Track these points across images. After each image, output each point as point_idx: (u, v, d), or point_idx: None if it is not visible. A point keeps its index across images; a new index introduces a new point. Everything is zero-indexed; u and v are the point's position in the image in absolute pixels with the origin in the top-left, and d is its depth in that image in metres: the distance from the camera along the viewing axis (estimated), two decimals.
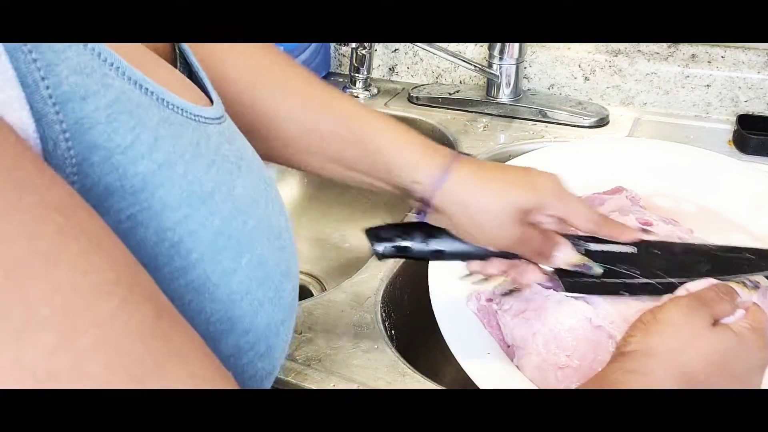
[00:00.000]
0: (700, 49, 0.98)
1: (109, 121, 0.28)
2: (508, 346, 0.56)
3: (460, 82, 1.11)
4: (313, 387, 0.55)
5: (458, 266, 0.65)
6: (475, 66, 1.02)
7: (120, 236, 0.27)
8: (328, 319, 0.63)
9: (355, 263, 0.97)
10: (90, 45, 0.27)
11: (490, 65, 1.02)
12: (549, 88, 1.05)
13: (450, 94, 1.06)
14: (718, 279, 0.50)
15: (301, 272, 1.00)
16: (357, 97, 1.09)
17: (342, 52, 1.17)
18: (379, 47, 1.13)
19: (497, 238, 0.51)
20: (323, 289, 0.96)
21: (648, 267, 0.53)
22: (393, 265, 0.70)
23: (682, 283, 0.51)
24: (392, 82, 1.15)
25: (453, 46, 1.06)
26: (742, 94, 0.97)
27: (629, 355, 0.44)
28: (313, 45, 1.12)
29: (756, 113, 0.96)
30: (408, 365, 0.57)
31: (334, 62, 1.18)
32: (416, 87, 1.10)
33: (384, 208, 1.08)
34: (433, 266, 0.65)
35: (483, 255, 0.53)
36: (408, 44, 1.11)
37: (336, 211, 1.08)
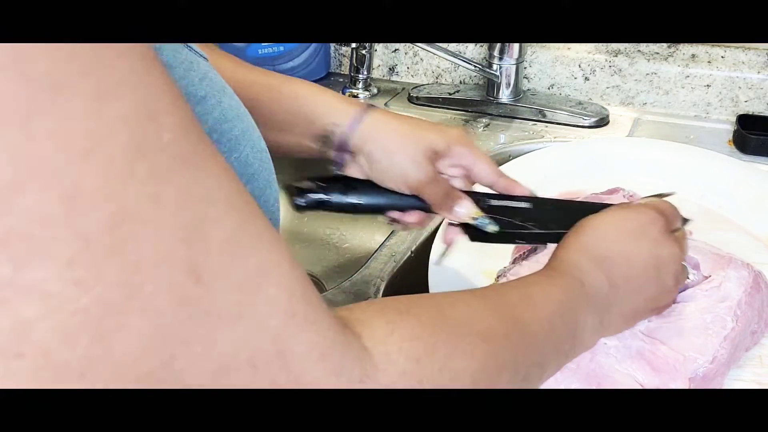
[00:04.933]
0: (700, 49, 0.98)
1: None
2: None
3: (460, 82, 1.11)
4: None
5: (458, 266, 0.65)
6: (475, 66, 1.02)
7: None
8: None
9: (354, 263, 0.97)
10: None
11: (490, 65, 1.02)
12: (549, 88, 1.05)
13: (450, 94, 1.06)
14: None
15: None
16: (357, 97, 1.09)
17: (342, 52, 1.17)
18: (379, 47, 1.13)
19: (411, 176, 0.55)
20: (323, 289, 0.96)
21: (540, 219, 0.58)
22: (393, 265, 0.70)
23: None
24: (392, 82, 1.15)
25: (453, 46, 1.06)
26: (742, 94, 0.97)
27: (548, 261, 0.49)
28: (313, 45, 1.11)
29: (756, 113, 0.96)
30: None
31: (334, 62, 1.18)
32: (416, 87, 1.09)
33: None
34: (433, 267, 0.65)
35: (399, 207, 0.57)
36: (408, 44, 1.11)
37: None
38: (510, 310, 0.40)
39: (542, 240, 0.58)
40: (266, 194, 0.42)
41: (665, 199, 0.56)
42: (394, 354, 0.32)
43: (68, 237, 0.20)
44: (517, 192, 0.59)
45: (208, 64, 0.40)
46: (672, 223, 0.52)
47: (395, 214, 0.58)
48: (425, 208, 0.57)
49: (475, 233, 0.57)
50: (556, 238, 0.55)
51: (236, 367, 0.25)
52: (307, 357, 0.27)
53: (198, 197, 0.24)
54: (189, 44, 0.38)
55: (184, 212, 0.23)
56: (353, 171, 0.57)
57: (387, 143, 0.55)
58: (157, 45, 0.33)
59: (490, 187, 0.59)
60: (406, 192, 0.56)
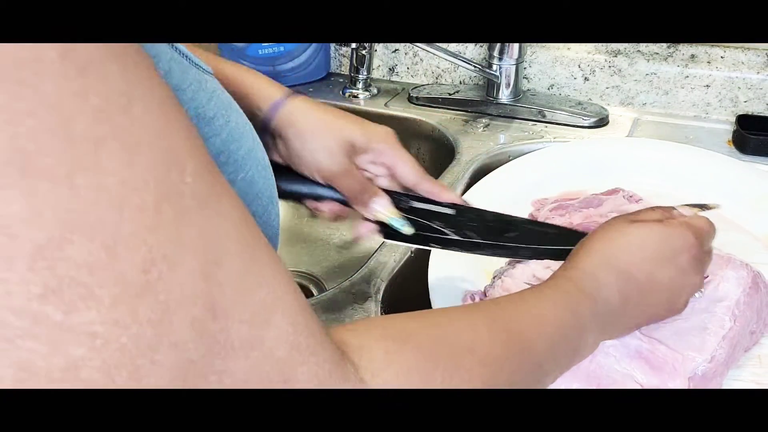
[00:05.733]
0: (699, 49, 0.98)
1: None
2: None
3: (460, 82, 1.11)
4: None
5: (459, 268, 0.65)
6: (475, 66, 1.02)
7: None
8: (327, 320, 0.63)
9: (354, 263, 0.97)
10: None
11: (490, 65, 1.02)
12: (549, 89, 1.05)
13: (450, 94, 1.06)
14: (519, 246, 0.57)
15: (301, 273, 1.00)
16: (357, 97, 1.09)
17: (342, 52, 1.17)
18: (379, 47, 1.13)
19: (323, 165, 0.55)
20: (323, 289, 0.96)
21: (460, 227, 0.57)
22: (393, 265, 0.70)
23: (487, 245, 0.57)
24: (392, 82, 1.15)
25: (453, 46, 1.06)
26: (742, 95, 0.97)
27: (566, 265, 0.48)
28: (313, 45, 1.11)
29: (755, 113, 0.96)
30: None
31: (334, 62, 1.18)
32: (416, 87, 1.10)
33: None
34: (433, 267, 0.65)
35: (316, 196, 0.58)
36: (408, 44, 1.11)
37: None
38: (515, 332, 0.40)
39: (457, 247, 0.57)
40: (269, 211, 0.43)
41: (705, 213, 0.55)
42: (390, 382, 0.33)
43: (110, 281, 0.22)
44: (443, 197, 0.58)
45: (215, 82, 0.40)
46: (705, 244, 0.52)
47: (312, 204, 0.58)
48: (343, 201, 0.57)
49: (389, 232, 0.57)
50: (470, 247, 0.56)
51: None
52: (307, 387, 0.29)
53: (215, 236, 0.25)
54: (196, 62, 0.37)
55: (203, 251, 0.25)
56: (274, 157, 0.57)
57: (303, 130, 0.55)
58: (167, 68, 0.34)
59: (413, 189, 0.59)
60: (320, 181, 0.56)
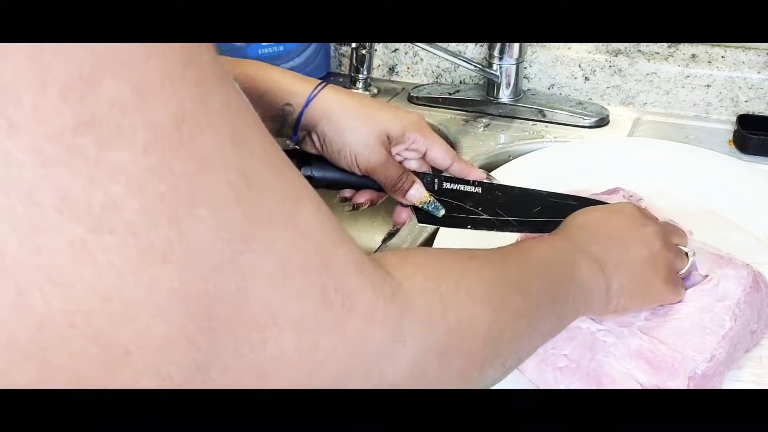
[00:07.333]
0: (700, 49, 0.98)
1: None
2: None
3: (460, 82, 1.11)
4: None
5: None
6: (475, 66, 1.02)
7: None
8: None
9: None
10: None
11: (490, 65, 1.02)
12: (549, 88, 1.05)
13: (450, 94, 1.06)
14: (546, 220, 0.61)
15: None
16: None
17: (342, 52, 1.17)
18: (379, 47, 1.13)
19: (362, 158, 0.56)
20: None
21: (490, 205, 0.61)
22: None
23: (517, 221, 0.60)
24: (392, 82, 1.15)
25: (453, 46, 1.06)
26: (743, 94, 0.97)
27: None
28: (313, 45, 1.11)
29: (756, 113, 0.96)
30: None
31: (334, 62, 1.18)
32: (416, 87, 1.09)
33: (385, 208, 1.08)
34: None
35: (353, 184, 0.59)
36: (408, 44, 1.11)
37: (336, 211, 1.08)
38: (511, 259, 0.44)
39: (488, 226, 0.60)
40: None
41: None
42: (412, 274, 0.34)
43: (141, 125, 0.22)
44: (472, 176, 0.61)
45: None
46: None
47: (347, 193, 0.60)
48: (378, 187, 0.59)
49: (423, 216, 0.60)
50: (501, 225, 0.60)
51: (291, 272, 0.27)
52: (346, 269, 0.29)
53: (237, 109, 0.26)
54: None
55: (228, 118, 0.25)
56: (308, 147, 0.57)
57: (339, 124, 0.55)
58: None
59: (445, 171, 0.61)
60: (358, 174, 0.57)
